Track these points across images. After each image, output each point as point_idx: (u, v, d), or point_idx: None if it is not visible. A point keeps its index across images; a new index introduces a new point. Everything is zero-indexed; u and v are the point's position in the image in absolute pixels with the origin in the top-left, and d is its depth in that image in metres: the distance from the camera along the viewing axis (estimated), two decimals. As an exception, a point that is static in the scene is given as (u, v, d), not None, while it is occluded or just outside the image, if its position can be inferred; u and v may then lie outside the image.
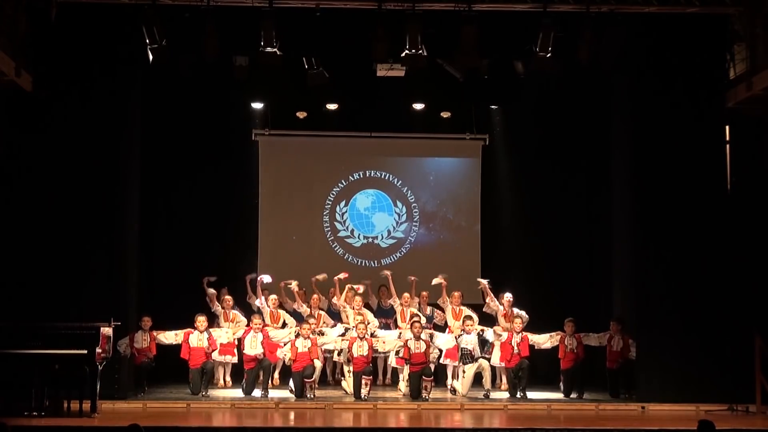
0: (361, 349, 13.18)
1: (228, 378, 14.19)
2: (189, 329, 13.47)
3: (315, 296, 14.44)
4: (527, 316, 13.95)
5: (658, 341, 12.87)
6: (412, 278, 14.57)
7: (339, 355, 13.89)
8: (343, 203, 16.45)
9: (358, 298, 14.16)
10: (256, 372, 13.43)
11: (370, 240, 16.44)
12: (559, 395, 13.58)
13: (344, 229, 16.41)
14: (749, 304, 12.86)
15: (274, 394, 13.37)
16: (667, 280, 12.95)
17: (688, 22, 13.09)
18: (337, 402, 12.78)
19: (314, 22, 12.71)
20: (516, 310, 14.07)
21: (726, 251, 12.97)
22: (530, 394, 13.40)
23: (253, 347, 13.40)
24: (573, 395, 13.45)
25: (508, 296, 14.21)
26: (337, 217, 16.42)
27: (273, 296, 14.23)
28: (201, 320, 13.47)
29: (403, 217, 16.47)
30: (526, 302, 14.36)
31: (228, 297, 14.21)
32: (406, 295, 14.40)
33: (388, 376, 14.80)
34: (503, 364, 13.87)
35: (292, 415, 12.08)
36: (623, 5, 12.82)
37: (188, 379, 13.40)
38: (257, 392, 13.31)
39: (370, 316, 14.22)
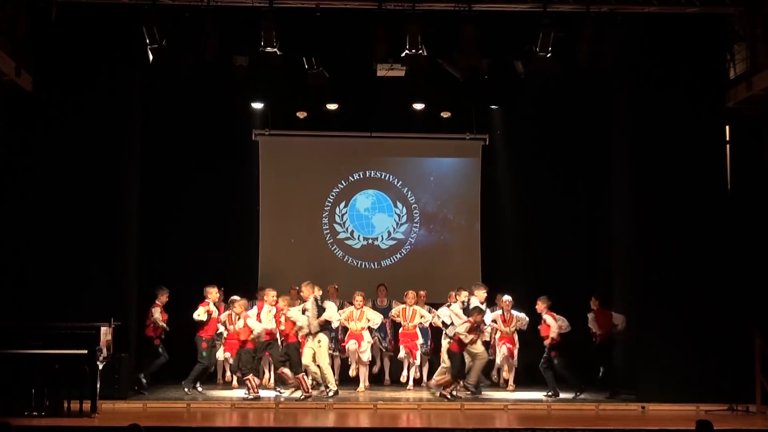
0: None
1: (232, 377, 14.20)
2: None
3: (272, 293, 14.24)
4: (527, 318, 13.98)
5: (658, 341, 12.87)
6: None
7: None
8: (342, 204, 16.45)
9: (359, 297, 14.14)
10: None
11: (370, 241, 16.44)
12: (561, 395, 13.57)
13: (344, 231, 16.40)
14: (749, 304, 12.86)
15: (273, 394, 13.37)
16: (667, 279, 12.95)
17: (688, 22, 13.09)
18: (337, 402, 12.77)
19: (314, 22, 12.72)
20: (515, 313, 14.09)
21: (726, 251, 12.98)
22: (530, 394, 13.42)
23: (269, 321, 13.23)
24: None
25: (507, 298, 14.21)
26: (337, 218, 16.41)
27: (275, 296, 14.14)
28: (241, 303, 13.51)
29: (404, 218, 16.47)
30: (526, 302, 14.33)
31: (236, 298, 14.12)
32: (412, 293, 14.39)
33: (386, 375, 14.89)
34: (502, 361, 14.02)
35: (292, 415, 12.07)
36: (623, 5, 12.83)
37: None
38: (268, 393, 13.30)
39: (370, 312, 14.22)
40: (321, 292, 13.61)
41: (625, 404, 12.95)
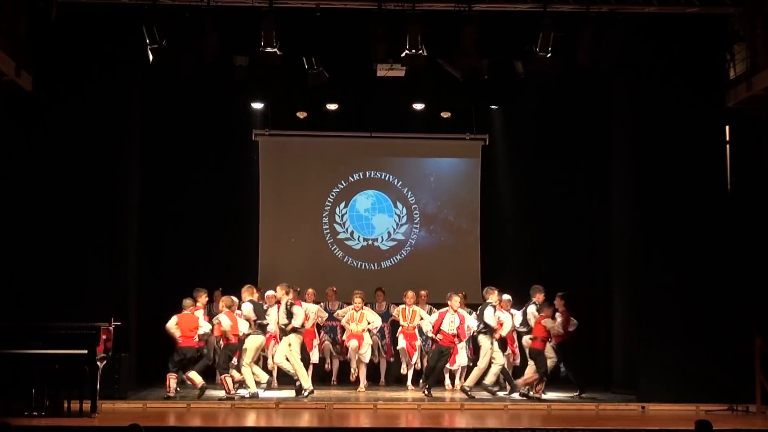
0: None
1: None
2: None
3: (310, 290, 14.43)
4: (521, 318, 14.01)
5: (658, 341, 12.88)
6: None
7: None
8: (342, 204, 16.44)
9: (358, 299, 14.14)
10: None
11: (370, 242, 16.43)
12: (559, 395, 13.59)
13: (344, 231, 16.39)
14: (749, 304, 12.86)
15: (274, 394, 13.38)
16: (667, 279, 12.96)
17: (688, 22, 13.10)
18: (337, 402, 12.77)
19: (314, 22, 12.72)
20: (514, 312, 14.12)
21: (726, 251, 12.99)
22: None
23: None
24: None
25: (506, 297, 14.19)
26: (337, 219, 16.40)
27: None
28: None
29: (404, 219, 16.46)
30: (526, 303, 14.34)
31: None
32: (411, 293, 14.39)
33: (382, 377, 14.93)
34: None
35: (292, 415, 12.07)
36: (623, 5, 12.83)
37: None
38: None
39: (370, 315, 14.23)
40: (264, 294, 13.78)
41: (625, 404, 12.95)
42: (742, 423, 11.51)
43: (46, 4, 12.69)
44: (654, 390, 12.76)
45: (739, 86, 13.07)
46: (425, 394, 13.32)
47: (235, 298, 13.32)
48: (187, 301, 13.30)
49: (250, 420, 11.71)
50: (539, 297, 13.66)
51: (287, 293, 13.35)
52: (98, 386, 11.52)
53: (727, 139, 13.58)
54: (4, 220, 12.71)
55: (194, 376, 13.06)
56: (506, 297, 14.15)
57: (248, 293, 13.35)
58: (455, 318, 13.55)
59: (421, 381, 13.73)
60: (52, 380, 11.44)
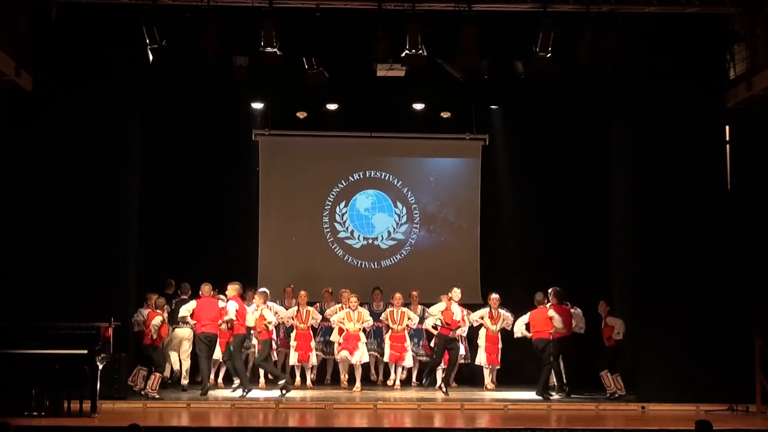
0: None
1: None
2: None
3: (302, 292, 14.38)
4: (512, 318, 14.05)
5: (658, 341, 12.88)
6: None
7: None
8: (342, 204, 16.44)
9: (353, 298, 14.11)
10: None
11: (370, 241, 16.43)
12: (559, 395, 13.60)
13: (344, 230, 16.40)
14: (749, 304, 12.86)
15: (272, 394, 13.38)
16: (667, 280, 12.97)
17: (688, 22, 13.11)
18: (337, 402, 12.78)
19: (314, 22, 12.74)
20: (502, 312, 14.16)
21: (726, 251, 12.99)
22: (527, 394, 13.45)
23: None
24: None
25: (495, 296, 14.26)
26: (337, 218, 16.40)
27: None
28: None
29: (404, 218, 16.45)
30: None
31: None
32: (399, 295, 14.38)
33: (380, 375, 14.90)
34: (490, 366, 14.31)
35: (292, 415, 12.08)
36: (623, 5, 12.85)
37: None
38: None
39: (366, 314, 14.22)
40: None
41: (625, 404, 12.96)
42: (742, 423, 11.51)
43: (46, 4, 12.70)
44: (654, 390, 12.77)
45: (739, 86, 13.07)
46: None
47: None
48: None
49: (250, 420, 11.69)
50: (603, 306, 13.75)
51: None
52: (98, 386, 11.52)
53: (727, 139, 13.58)
54: (3, 219, 12.71)
55: None
56: (495, 296, 14.35)
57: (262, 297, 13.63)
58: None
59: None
60: (52, 380, 11.44)
